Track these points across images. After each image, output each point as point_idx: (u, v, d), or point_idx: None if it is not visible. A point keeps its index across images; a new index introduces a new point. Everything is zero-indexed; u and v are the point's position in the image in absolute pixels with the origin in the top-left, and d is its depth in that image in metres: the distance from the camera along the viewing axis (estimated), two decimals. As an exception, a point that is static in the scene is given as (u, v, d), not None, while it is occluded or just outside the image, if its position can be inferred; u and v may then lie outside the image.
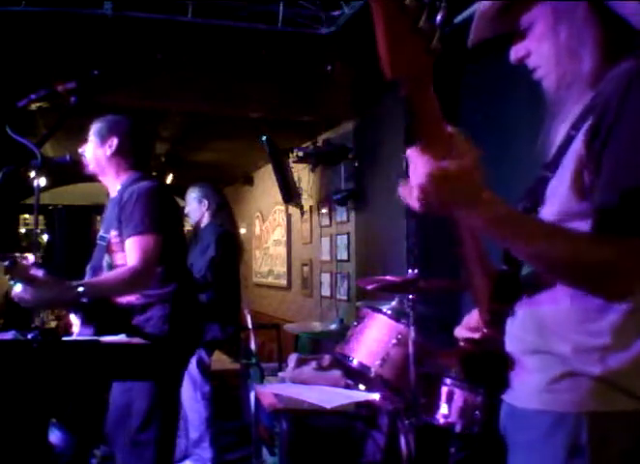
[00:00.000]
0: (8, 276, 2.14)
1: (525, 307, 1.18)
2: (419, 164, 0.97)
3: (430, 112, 0.96)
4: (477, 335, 1.25)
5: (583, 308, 1.09)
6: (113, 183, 2.65)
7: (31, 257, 2.18)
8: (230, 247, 4.29)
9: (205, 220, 4.35)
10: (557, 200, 1.12)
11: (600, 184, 1.04)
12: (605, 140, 1.04)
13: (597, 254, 1.01)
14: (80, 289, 2.25)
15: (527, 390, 1.15)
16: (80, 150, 2.67)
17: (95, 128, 2.64)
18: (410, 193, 1.01)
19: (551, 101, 1.20)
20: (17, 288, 2.16)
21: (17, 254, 2.16)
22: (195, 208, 4.35)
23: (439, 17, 0.88)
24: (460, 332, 1.34)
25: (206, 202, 4.32)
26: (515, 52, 1.23)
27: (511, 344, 1.19)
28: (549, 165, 1.16)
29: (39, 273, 2.21)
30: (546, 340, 1.12)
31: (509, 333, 1.19)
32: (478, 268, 1.25)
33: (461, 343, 1.25)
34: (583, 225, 1.07)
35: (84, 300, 2.29)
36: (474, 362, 1.24)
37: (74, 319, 2.47)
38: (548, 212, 1.14)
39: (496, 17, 1.24)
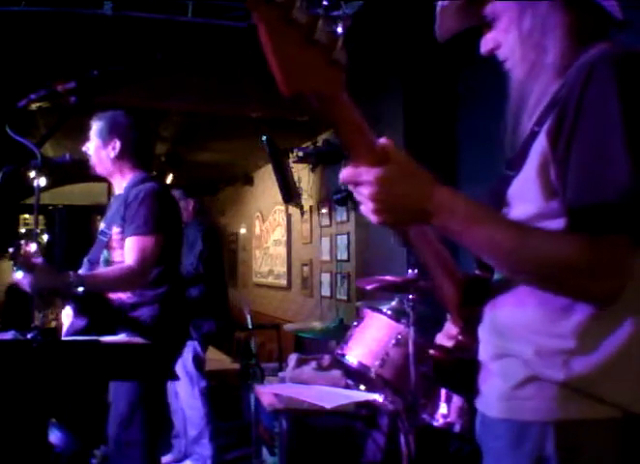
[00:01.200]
0: (12, 263, 2.18)
1: (490, 311, 1.13)
2: (358, 180, 0.92)
3: (350, 124, 0.90)
4: (450, 343, 1.22)
5: (546, 310, 1.03)
6: (119, 182, 2.67)
7: (34, 246, 2.20)
8: (216, 242, 4.42)
9: (190, 219, 4.42)
10: (523, 200, 1.08)
11: (569, 183, 0.99)
12: (569, 137, 0.99)
13: (569, 253, 0.95)
14: (76, 279, 2.29)
15: (492, 397, 1.10)
16: (84, 148, 2.68)
17: (96, 128, 2.65)
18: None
19: (516, 94, 1.16)
20: (19, 275, 2.20)
21: (22, 241, 2.18)
22: (182, 207, 4.40)
23: (339, 27, 0.82)
24: (440, 339, 1.29)
25: (191, 202, 4.42)
26: (485, 44, 1.20)
27: (482, 350, 1.14)
28: (512, 164, 1.11)
29: (38, 260, 2.23)
30: (509, 343, 1.08)
31: (480, 338, 1.15)
32: (441, 274, 1.20)
33: (431, 351, 1.23)
34: (551, 225, 1.03)
35: (79, 290, 2.31)
36: (444, 369, 1.22)
37: (67, 310, 2.49)
38: (514, 212, 1.10)
39: (462, 10, 1.21)
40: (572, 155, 0.99)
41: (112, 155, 2.61)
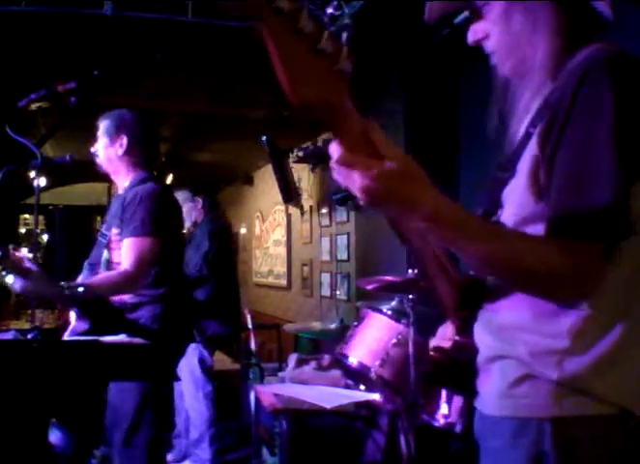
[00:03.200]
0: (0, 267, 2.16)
1: (486, 312, 1.14)
2: (352, 167, 0.89)
3: (352, 134, 0.89)
4: (447, 344, 1.22)
5: (540, 310, 1.04)
6: (122, 181, 2.67)
7: (25, 251, 2.19)
8: (225, 242, 4.33)
9: (200, 218, 4.38)
10: (515, 202, 1.08)
11: (553, 187, 0.99)
12: (557, 142, 0.99)
13: (547, 257, 0.96)
14: (69, 290, 2.26)
15: (490, 396, 1.12)
16: (92, 149, 2.68)
17: (103, 126, 2.65)
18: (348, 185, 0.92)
19: (502, 91, 1.14)
20: (9, 279, 2.18)
21: (10, 246, 2.16)
22: (191, 207, 4.36)
23: (344, 36, 0.82)
24: (434, 342, 1.30)
25: (199, 200, 4.37)
26: (473, 33, 1.16)
27: (479, 350, 1.15)
28: (505, 165, 1.11)
29: (33, 266, 2.21)
30: (504, 344, 1.09)
31: (476, 338, 1.16)
32: (439, 273, 1.20)
33: (431, 352, 1.23)
34: (542, 228, 1.02)
35: (74, 299, 2.30)
36: (443, 370, 1.22)
37: (73, 314, 2.49)
38: (507, 214, 1.10)
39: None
40: (559, 159, 0.99)
41: (120, 152, 2.61)
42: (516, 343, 1.06)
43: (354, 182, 0.89)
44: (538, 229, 1.03)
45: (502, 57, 1.13)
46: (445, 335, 1.28)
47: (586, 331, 1.01)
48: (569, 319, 1.02)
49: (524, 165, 1.05)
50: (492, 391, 1.11)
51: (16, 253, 2.17)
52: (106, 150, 2.63)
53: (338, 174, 0.91)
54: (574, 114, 0.98)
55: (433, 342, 1.31)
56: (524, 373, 1.05)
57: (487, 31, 1.14)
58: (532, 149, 1.04)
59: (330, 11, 0.81)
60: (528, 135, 1.07)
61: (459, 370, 1.17)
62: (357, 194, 0.91)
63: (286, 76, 0.80)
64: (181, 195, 4.37)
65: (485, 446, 1.15)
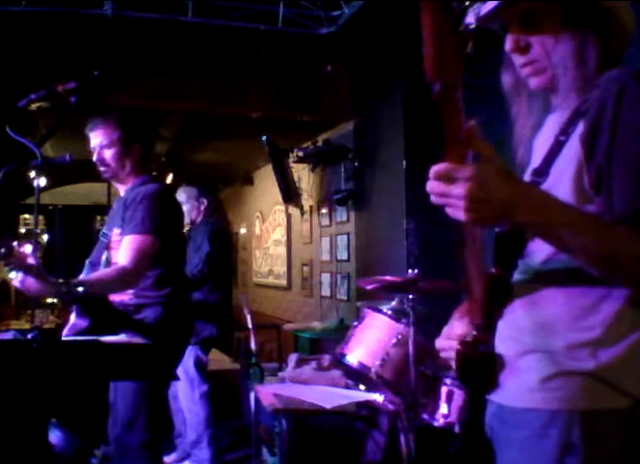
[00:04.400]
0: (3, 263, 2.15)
1: (514, 310, 1.17)
2: (452, 176, 0.95)
3: (457, 117, 0.96)
4: (454, 343, 1.23)
5: (577, 306, 1.10)
6: (125, 184, 2.67)
7: (28, 247, 2.17)
8: (224, 244, 4.30)
9: (199, 218, 4.36)
10: None
11: (616, 192, 1.04)
12: (609, 152, 1.04)
13: None
14: (67, 287, 2.25)
15: (518, 389, 1.14)
16: (93, 146, 2.60)
17: (117, 133, 2.58)
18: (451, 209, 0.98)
19: (517, 98, 1.20)
20: (12, 275, 2.18)
21: (15, 243, 2.16)
22: (194, 206, 4.34)
23: (473, 21, 0.89)
24: (441, 343, 1.32)
25: (205, 201, 4.33)
26: (515, 42, 1.21)
27: (504, 346, 1.17)
28: (539, 172, 1.15)
29: (34, 263, 2.20)
30: (541, 339, 1.12)
31: (501, 334, 1.17)
32: (476, 271, 1.23)
33: (457, 346, 1.24)
34: None
35: (72, 296, 2.30)
36: (470, 364, 1.23)
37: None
38: None
39: (502, 9, 1.22)
40: (615, 167, 1.04)
41: (134, 159, 2.61)
42: (554, 338, 1.11)
43: (453, 196, 0.95)
44: None
45: (537, 71, 1.19)
46: (451, 335, 1.30)
47: (619, 322, 1.07)
48: (604, 311, 1.08)
49: (565, 170, 1.10)
50: (521, 385, 1.14)
51: (21, 249, 2.17)
52: (119, 157, 2.58)
53: (436, 194, 0.97)
54: (621, 123, 1.04)
55: (439, 342, 1.33)
56: (557, 370, 1.09)
57: (530, 42, 1.19)
58: (573, 155, 1.09)
59: None
60: (559, 143, 1.12)
61: (486, 363, 1.19)
62: (459, 214, 0.96)
63: (432, 51, 0.86)
64: (186, 192, 4.36)
65: (504, 439, 1.18)
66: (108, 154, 2.59)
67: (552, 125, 1.20)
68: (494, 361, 1.17)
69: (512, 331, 1.17)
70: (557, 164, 1.12)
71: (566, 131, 1.12)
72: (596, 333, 1.07)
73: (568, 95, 1.16)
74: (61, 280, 2.26)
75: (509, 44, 1.22)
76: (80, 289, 2.27)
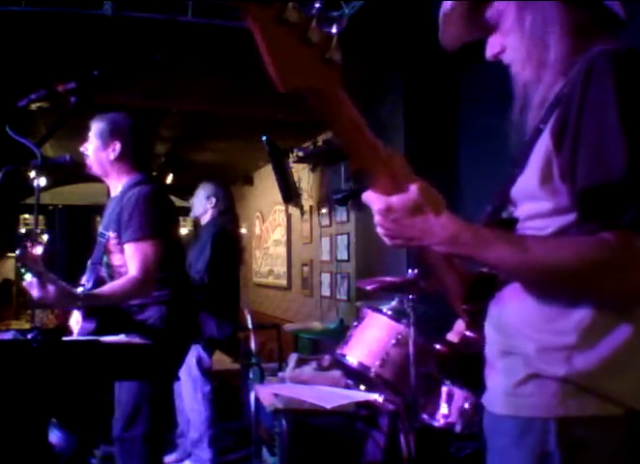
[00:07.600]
0: (19, 264, 2.15)
1: (495, 308, 1.15)
2: (371, 206, 1.01)
3: (348, 121, 0.95)
4: (456, 338, 1.23)
5: (549, 307, 1.05)
6: (116, 184, 2.66)
7: (40, 249, 2.16)
8: (226, 247, 4.26)
9: (206, 218, 4.34)
10: (528, 198, 1.09)
11: (577, 178, 1.00)
12: (575, 137, 1.00)
13: (594, 255, 0.96)
14: (82, 300, 2.29)
15: (496, 393, 1.12)
16: (82, 149, 2.66)
17: (96, 128, 2.63)
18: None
19: (521, 95, 1.16)
20: (27, 277, 2.16)
21: (29, 244, 2.15)
22: (202, 203, 4.33)
23: (334, 27, 0.87)
24: (451, 337, 1.30)
25: (213, 200, 4.30)
26: (490, 48, 1.20)
27: (487, 346, 1.16)
28: (517, 161, 1.11)
29: (42, 268, 2.20)
30: (511, 340, 1.09)
31: (485, 335, 1.16)
32: (446, 267, 1.21)
33: (437, 346, 1.24)
34: (553, 222, 1.05)
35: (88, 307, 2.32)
36: (447, 364, 1.23)
37: (75, 315, 2.49)
38: (520, 211, 1.11)
39: (465, 16, 1.21)
40: (579, 153, 1.00)
41: (112, 157, 2.59)
42: (524, 340, 1.06)
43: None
44: (547, 224, 1.05)
45: (519, 65, 1.16)
46: (458, 329, 1.28)
47: (594, 327, 1.01)
48: (578, 316, 1.02)
49: (535, 161, 1.06)
50: (498, 389, 1.11)
51: (33, 251, 2.15)
52: (98, 153, 2.61)
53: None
54: (586, 106, 0.99)
55: (450, 335, 1.31)
56: (530, 372, 1.05)
57: (504, 43, 1.17)
58: (543, 145, 1.05)
59: (317, 4, 0.86)
60: (538, 131, 1.08)
61: (464, 365, 1.18)
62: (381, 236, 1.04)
63: (272, 64, 0.85)
64: (203, 188, 4.34)
65: (491, 443, 1.15)
66: (89, 148, 2.63)
67: (540, 111, 1.14)
68: (474, 362, 1.15)
69: (492, 331, 1.15)
70: (533, 154, 1.07)
71: (545, 119, 1.08)
72: (570, 337, 1.02)
73: (546, 80, 1.11)
74: (77, 293, 2.29)
75: (487, 52, 1.21)
76: (97, 300, 2.31)
